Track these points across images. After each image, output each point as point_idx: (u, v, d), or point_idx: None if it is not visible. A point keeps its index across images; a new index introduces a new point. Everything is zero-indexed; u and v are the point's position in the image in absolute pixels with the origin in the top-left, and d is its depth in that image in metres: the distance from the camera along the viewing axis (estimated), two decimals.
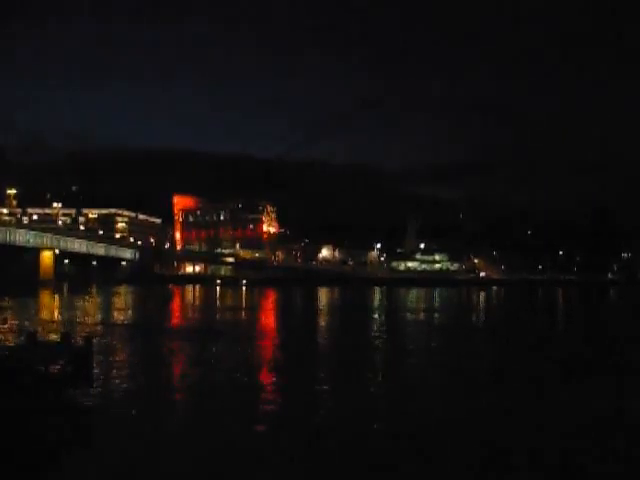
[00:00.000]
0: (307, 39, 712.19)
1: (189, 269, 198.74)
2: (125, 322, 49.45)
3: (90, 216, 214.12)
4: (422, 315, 64.53)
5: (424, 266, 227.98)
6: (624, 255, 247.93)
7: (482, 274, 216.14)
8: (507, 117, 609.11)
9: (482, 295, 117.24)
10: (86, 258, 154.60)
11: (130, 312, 62.00)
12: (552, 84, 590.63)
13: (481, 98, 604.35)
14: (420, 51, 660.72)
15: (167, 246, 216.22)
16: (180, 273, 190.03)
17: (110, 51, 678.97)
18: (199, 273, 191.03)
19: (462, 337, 43.21)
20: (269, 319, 58.40)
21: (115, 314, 57.66)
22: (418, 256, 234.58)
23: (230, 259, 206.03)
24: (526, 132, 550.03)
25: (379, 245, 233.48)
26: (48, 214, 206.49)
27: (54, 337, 29.50)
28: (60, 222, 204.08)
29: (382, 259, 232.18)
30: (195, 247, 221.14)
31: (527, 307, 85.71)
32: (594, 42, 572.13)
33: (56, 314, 56.25)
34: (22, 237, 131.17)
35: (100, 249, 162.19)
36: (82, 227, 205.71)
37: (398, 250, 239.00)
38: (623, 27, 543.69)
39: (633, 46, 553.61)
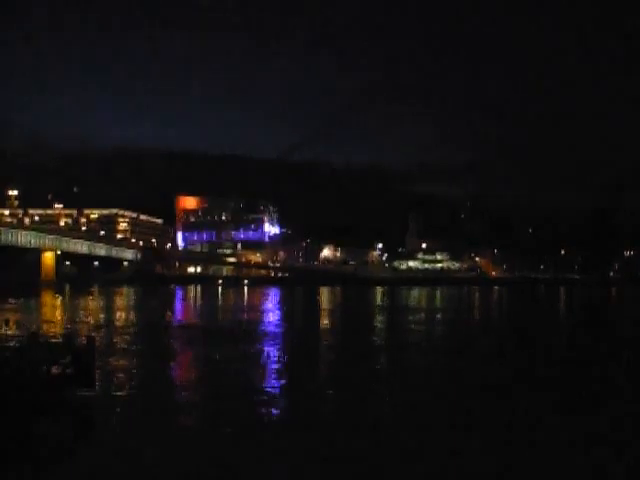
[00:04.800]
0: (307, 39, 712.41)
1: (191, 269, 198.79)
2: (127, 323, 49.45)
3: (91, 217, 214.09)
4: (423, 315, 64.48)
5: (426, 265, 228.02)
6: (626, 253, 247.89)
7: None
8: (507, 117, 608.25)
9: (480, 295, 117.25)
10: (87, 259, 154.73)
11: (132, 312, 62.00)
12: (552, 84, 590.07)
13: (481, 98, 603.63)
14: (420, 51, 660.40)
15: (169, 246, 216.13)
16: (182, 273, 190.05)
17: (110, 51, 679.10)
18: (201, 273, 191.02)
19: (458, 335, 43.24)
20: (272, 319, 58.27)
21: (117, 315, 57.67)
22: (419, 255, 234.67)
23: (232, 259, 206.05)
24: (526, 132, 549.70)
25: (380, 245, 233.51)
26: (49, 215, 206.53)
27: (56, 338, 29.50)
28: (61, 223, 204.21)
29: (383, 259, 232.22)
30: (197, 247, 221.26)
31: (526, 306, 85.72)
32: (594, 41, 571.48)
33: (58, 315, 56.29)
34: (24, 238, 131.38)
35: (101, 250, 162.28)
36: (83, 228, 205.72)
37: (399, 249, 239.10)
38: (624, 25, 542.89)
39: (634, 44, 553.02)
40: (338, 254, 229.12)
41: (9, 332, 30.74)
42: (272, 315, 62.13)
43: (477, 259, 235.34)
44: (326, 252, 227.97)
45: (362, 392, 22.02)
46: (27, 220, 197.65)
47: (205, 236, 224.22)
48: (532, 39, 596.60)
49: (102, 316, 54.93)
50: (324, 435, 16.30)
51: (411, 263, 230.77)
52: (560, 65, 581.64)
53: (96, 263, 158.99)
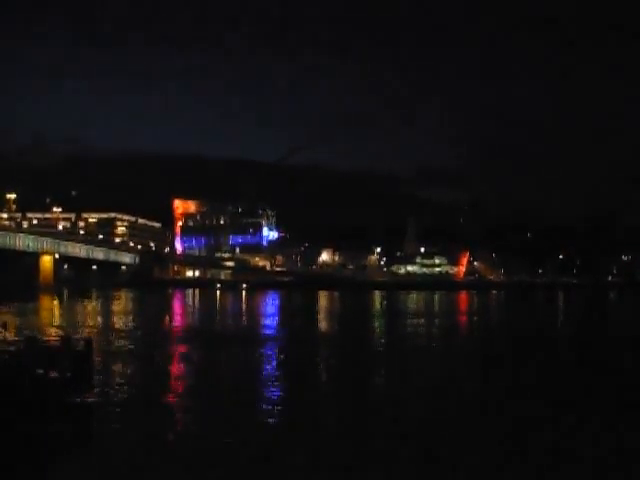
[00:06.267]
0: (307, 41, 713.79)
1: (189, 273, 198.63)
2: (125, 326, 49.41)
3: (90, 220, 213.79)
4: (422, 320, 64.49)
5: (424, 269, 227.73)
6: (624, 257, 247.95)
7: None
8: (508, 118, 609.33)
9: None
10: (86, 262, 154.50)
11: (130, 316, 61.90)
12: (552, 85, 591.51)
13: (481, 99, 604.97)
14: (420, 52, 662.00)
15: (167, 250, 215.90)
16: (180, 277, 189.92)
17: (110, 52, 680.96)
18: (199, 277, 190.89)
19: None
20: (269, 324, 58.25)
21: (115, 318, 57.61)
22: (418, 259, 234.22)
23: (230, 263, 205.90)
24: (527, 134, 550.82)
25: (379, 249, 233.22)
26: (48, 218, 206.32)
27: (54, 341, 29.48)
28: (60, 226, 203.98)
29: (382, 263, 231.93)
30: (195, 251, 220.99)
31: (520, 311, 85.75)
32: (594, 43, 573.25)
33: (56, 319, 56.22)
34: (22, 242, 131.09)
35: (100, 253, 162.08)
36: (82, 231, 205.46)
37: (398, 253, 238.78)
38: (623, 26, 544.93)
39: (633, 46, 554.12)
40: (336, 258, 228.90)
41: (7, 335, 30.74)
42: (270, 320, 62.12)
43: (475, 263, 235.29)
44: (324, 256, 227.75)
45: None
46: (25, 223, 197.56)
47: (203, 240, 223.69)
48: (533, 40, 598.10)
49: (100, 320, 54.88)
50: None
51: (410, 267, 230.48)
52: (560, 67, 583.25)
53: (94, 267, 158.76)
